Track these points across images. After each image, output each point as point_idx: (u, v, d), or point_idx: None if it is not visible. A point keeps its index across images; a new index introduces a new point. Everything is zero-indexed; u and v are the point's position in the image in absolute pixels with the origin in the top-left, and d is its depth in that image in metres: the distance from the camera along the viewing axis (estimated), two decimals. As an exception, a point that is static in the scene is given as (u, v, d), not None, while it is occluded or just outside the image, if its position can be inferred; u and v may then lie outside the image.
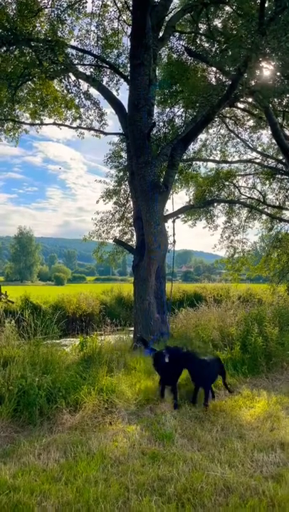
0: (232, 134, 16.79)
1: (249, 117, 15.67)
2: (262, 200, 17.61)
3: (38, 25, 11.95)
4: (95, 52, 13.89)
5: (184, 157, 14.41)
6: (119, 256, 16.84)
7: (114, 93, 13.68)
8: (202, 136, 16.00)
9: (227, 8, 13.06)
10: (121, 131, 13.81)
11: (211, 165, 17.70)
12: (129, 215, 15.20)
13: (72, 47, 13.16)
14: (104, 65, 13.95)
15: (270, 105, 12.32)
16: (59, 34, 11.86)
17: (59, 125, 14.58)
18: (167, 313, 11.78)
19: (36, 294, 23.65)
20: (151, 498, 3.58)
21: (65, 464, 4.27)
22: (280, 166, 16.57)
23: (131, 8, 12.84)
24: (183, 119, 13.78)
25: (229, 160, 17.50)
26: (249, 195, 17.84)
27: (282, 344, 8.93)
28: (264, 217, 18.13)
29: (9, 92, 12.37)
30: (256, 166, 17.61)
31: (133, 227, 13.78)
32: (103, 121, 14.61)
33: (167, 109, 14.32)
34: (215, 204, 16.64)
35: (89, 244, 16.88)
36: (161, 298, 11.52)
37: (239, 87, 10.13)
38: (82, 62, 13.54)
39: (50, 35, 11.45)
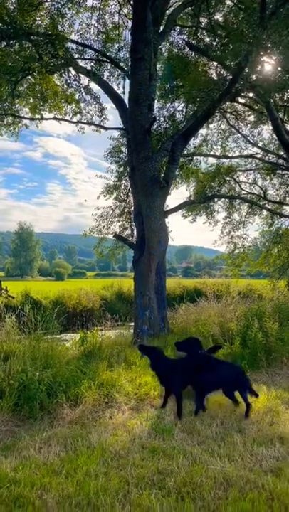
0: (233, 129, 16.73)
1: (250, 112, 15.62)
2: (262, 195, 17.59)
3: (38, 19, 11.89)
4: (95, 47, 13.82)
5: (185, 152, 14.38)
6: (119, 251, 16.84)
7: (115, 88, 13.63)
8: (203, 131, 15.98)
9: (228, 1, 12.99)
10: (121, 126, 13.76)
11: (212, 160, 17.68)
12: (130, 210, 15.18)
13: (73, 41, 13.09)
14: (105, 59, 13.89)
15: (271, 100, 12.27)
16: (59, 28, 11.79)
17: (59, 120, 14.54)
18: (167, 308, 11.81)
19: (37, 289, 23.68)
20: (151, 491, 3.60)
21: (66, 457, 4.29)
22: (280, 161, 16.53)
23: (132, 2, 12.77)
24: (184, 114, 13.74)
25: (230, 155, 17.46)
26: (250, 191, 17.83)
27: (282, 339, 8.94)
28: (264, 212, 18.13)
29: (9, 87, 12.32)
30: (257, 161, 17.57)
31: (133, 223, 13.77)
32: (103, 116, 14.57)
33: (168, 104, 14.27)
34: (215, 199, 16.63)
35: (89, 239, 16.89)
36: (162, 293, 11.54)
37: (240, 81, 10.10)
38: (82, 57, 13.48)
39: (51, 29, 11.38)
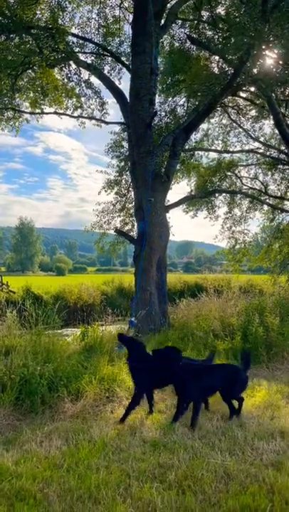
0: (234, 124, 16.67)
1: (251, 107, 15.54)
2: (263, 190, 17.55)
3: (38, 12, 11.82)
4: (96, 41, 13.75)
5: (186, 147, 14.33)
6: (120, 246, 16.85)
7: (116, 82, 13.57)
8: (204, 125, 15.92)
9: (230, -6, 12.87)
10: (122, 120, 13.71)
11: (213, 155, 17.63)
12: (131, 205, 15.15)
13: (73, 35, 13.02)
14: (106, 53, 13.80)
15: (273, 94, 12.20)
16: (59, 22, 11.73)
17: (60, 114, 14.49)
18: (168, 303, 11.82)
19: (37, 284, 23.72)
20: (152, 484, 3.61)
21: (67, 451, 4.31)
22: (282, 156, 16.47)
23: (133, -5, 12.67)
24: (185, 108, 13.69)
25: (231, 150, 17.40)
26: (251, 186, 17.78)
27: (283, 334, 8.96)
28: (265, 207, 18.10)
29: (9, 81, 12.27)
30: (258, 156, 17.50)
31: (134, 218, 13.76)
32: (104, 111, 14.54)
33: (169, 99, 14.21)
34: (216, 194, 16.59)
35: (90, 234, 16.87)
36: (162, 288, 11.54)
37: (242, 75, 10.04)
38: (82, 51, 13.42)
39: (51, 22, 11.31)
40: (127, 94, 12.07)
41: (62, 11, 12.00)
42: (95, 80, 13.84)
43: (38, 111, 14.37)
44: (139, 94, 11.04)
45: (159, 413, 5.53)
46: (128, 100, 11.94)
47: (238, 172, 17.48)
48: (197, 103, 12.56)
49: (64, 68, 12.72)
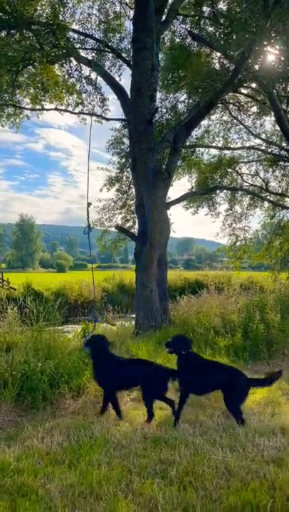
0: (235, 121, 16.58)
1: (252, 103, 15.48)
2: (264, 187, 17.50)
3: (39, 8, 11.74)
4: (96, 37, 13.68)
5: (187, 143, 14.29)
6: (122, 243, 16.82)
7: (117, 79, 13.51)
8: (204, 122, 15.82)
9: (231, -10, 12.80)
10: (123, 116, 13.67)
11: (214, 152, 17.56)
12: (132, 202, 15.13)
13: (74, 30, 12.94)
14: (107, 49, 13.73)
15: (274, 91, 12.15)
16: (60, 17, 11.65)
17: (60, 110, 14.44)
18: (169, 300, 11.82)
19: (38, 280, 23.77)
20: (153, 480, 3.63)
21: (68, 447, 4.32)
22: (283, 152, 16.42)
23: (134, -9, 12.60)
24: (186, 104, 13.64)
25: (232, 147, 17.35)
26: (252, 183, 17.73)
27: (284, 331, 8.97)
28: (266, 204, 18.05)
29: (10, 77, 12.23)
30: (259, 152, 17.44)
31: (135, 215, 13.73)
32: (105, 107, 14.43)
33: (170, 95, 14.16)
34: (217, 191, 16.56)
35: (91, 231, 16.84)
36: (163, 285, 11.54)
37: (243, 71, 9.99)
38: (83, 47, 13.33)
39: (52, 18, 11.25)
40: (127, 90, 12.04)
41: (63, 6, 11.92)
42: (95, 76, 13.80)
43: (38, 107, 14.32)
44: (140, 91, 11.00)
45: (160, 410, 5.53)
46: (129, 97, 11.90)
47: (239, 169, 17.43)
48: (198, 99, 12.51)
49: (65, 64, 12.65)
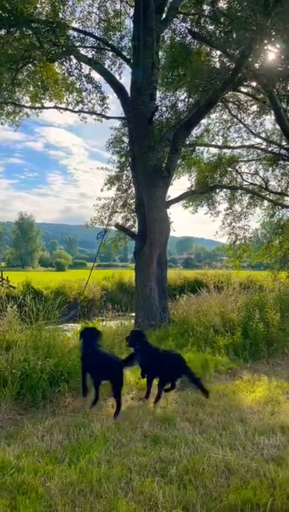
0: (235, 119, 16.57)
1: (252, 102, 15.46)
2: (264, 186, 17.48)
3: (38, 6, 11.70)
4: (96, 35, 13.64)
5: (186, 142, 14.26)
6: (122, 242, 16.81)
7: (117, 77, 13.47)
8: (204, 121, 15.79)
9: (232, -12, 12.76)
10: (123, 115, 13.65)
11: (213, 150, 17.52)
12: (132, 201, 15.11)
13: (74, 29, 12.91)
14: (107, 47, 13.71)
15: (275, 89, 12.14)
16: (60, 15, 11.64)
17: (60, 109, 14.42)
18: (168, 299, 11.82)
19: (38, 279, 23.75)
20: (153, 478, 3.63)
21: (68, 445, 4.32)
22: (283, 151, 16.41)
23: (134, -11, 12.56)
24: (186, 103, 13.59)
25: (232, 145, 17.32)
26: (251, 182, 17.71)
27: (284, 330, 8.99)
28: (265, 203, 18.04)
29: (10, 75, 12.20)
30: (259, 151, 17.42)
31: (135, 214, 13.72)
32: (105, 105, 14.40)
33: (170, 94, 14.12)
34: (217, 190, 16.54)
35: (90, 230, 16.82)
36: (162, 284, 11.54)
37: (243, 70, 9.98)
38: (83, 45, 13.31)
39: (52, 16, 11.22)
40: (127, 89, 12.02)
41: (63, 4, 11.90)
42: (95, 75, 13.78)
43: (38, 105, 14.31)
44: (140, 89, 10.99)
45: (160, 408, 5.54)
46: (129, 95, 11.88)
47: (239, 168, 17.39)
48: (198, 98, 12.48)
49: (64, 63, 12.61)
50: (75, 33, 12.97)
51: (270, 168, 17.56)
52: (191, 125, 11.65)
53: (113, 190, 15.89)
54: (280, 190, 17.80)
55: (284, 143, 15.83)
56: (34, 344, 6.46)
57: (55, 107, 14.41)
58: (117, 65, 14.05)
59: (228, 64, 11.44)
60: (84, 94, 13.99)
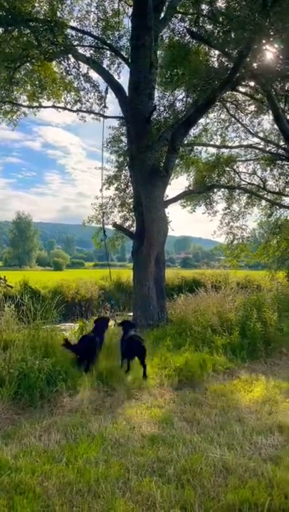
0: (233, 119, 16.57)
1: (250, 102, 15.46)
2: (262, 186, 17.51)
3: (36, 5, 11.65)
4: (95, 34, 13.61)
5: (185, 142, 14.25)
6: (119, 242, 16.80)
7: (115, 76, 13.46)
8: (202, 120, 15.77)
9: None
10: (121, 114, 13.63)
11: (212, 150, 17.53)
12: (130, 200, 15.10)
13: (72, 28, 12.87)
14: (105, 47, 13.68)
15: (273, 89, 12.15)
16: (58, 14, 11.60)
17: (58, 108, 14.38)
18: (166, 298, 11.81)
19: (35, 278, 23.62)
20: (151, 478, 3.63)
21: (66, 445, 4.32)
22: (280, 151, 16.43)
23: (132, -11, 12.54)
24: (184, 103, 13.58)
25: (229, 145, 17.33)
26: (249, 181, 17.74)
27: (281, 330, 9.00)
28: (263, 203, 18.07)
29: (7, 74, 12.16)
30: (257, 151, 17.45)
31: (133, 213, 13.71)
32: (103, 105, 14.39)
33: (168, 93, 14.11)
34: (215, 190, 16.55)
35: (88, 229, 16.81)
36: (160, 284, 11.54)
37: (241, 70, 9.99)
38: (81, 44, 13.26)
39: (50, 15, 11.18)
40: (126, 88, 11.99)
41: (61, 3, 11.87)
42: (93, 74, 13.75)
43: (35, 104, 14.26)
44: (139, 89, 10.98)
45: (158, 408, 5.53)
46: (127, 94, 11.87)
47: (237, 167, 17.42)
48: (196, 98, 12.48)
49: (63, 62, 12.60)
50: (73, 32, 12.92)
51: (268, 168, 17.60)
52: (189, 125, 11.64)
53: (111, 190, 15.90)
54: (277, 189, 17.83)
55: (282, 143, 15.86)
56: (32, 344, 6.45)
57: (53, 106, 14.38)
58: (116, 64, 14.07)
59: (226, 63, 11.46)
60: (82, 93, 13.98)
